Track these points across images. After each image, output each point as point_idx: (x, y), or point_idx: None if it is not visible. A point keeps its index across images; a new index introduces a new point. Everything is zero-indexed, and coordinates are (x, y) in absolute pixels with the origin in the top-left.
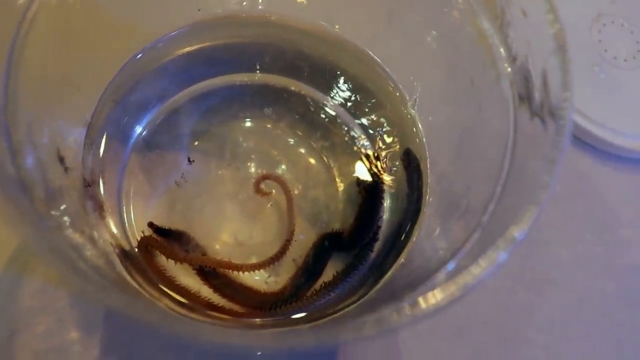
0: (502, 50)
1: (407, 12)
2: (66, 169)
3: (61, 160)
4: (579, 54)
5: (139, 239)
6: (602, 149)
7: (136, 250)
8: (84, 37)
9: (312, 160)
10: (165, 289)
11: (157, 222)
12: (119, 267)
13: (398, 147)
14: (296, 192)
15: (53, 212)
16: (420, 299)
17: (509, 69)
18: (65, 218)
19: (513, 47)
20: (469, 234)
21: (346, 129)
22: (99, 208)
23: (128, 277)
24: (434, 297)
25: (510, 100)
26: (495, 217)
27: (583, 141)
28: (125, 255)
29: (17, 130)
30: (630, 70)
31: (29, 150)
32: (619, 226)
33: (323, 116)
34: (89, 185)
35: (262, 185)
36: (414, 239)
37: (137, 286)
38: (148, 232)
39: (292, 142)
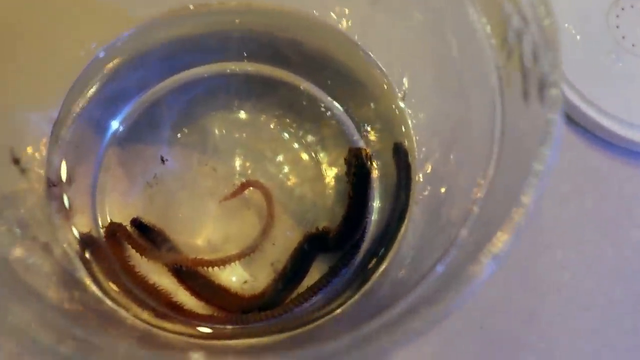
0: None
1: None
2: (23, 170)
3: (16, 161)
4: (594, 41)
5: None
6: (616, 144)
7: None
8: (44, 27)
9: (300, 154)
10: (129, 286)
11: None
12: (81, 272)
13: (387, 141)
14: (283, 187)
15: None
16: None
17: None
18: (16, 228)
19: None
20: (458, 230)
21: (335, 121)
22: (65, 208)
23: (88, 282)
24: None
25: (495, 78)
26: (485, 211)
27: (595, 135)
28: (91, 251)
29: None
30: None
31: None
32: (631, 227)
33: (312, 108)
34: (54, 185)
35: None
36: (402, 235)
37: (97, 290)
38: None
39: (278, 135)
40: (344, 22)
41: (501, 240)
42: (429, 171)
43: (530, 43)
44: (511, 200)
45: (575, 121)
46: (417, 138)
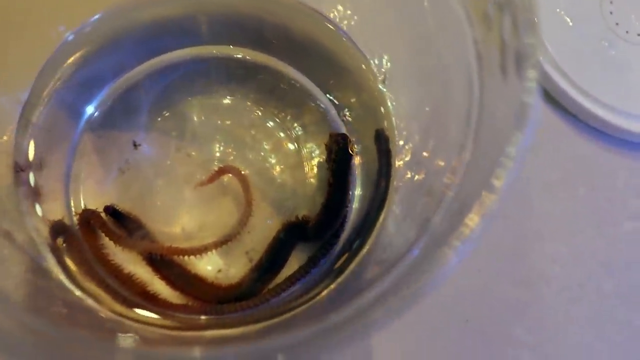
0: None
1: None
2: None
3: None
4: (586, 27)
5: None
6: (609, 134)
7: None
8: (12, 5)
9: (281, 141)
10: (102, 275)
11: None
12: (49, 261)
13: (368, 126)
14: (262, 174)
15: None
16: None
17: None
18: None
19: None
20: (433, 213)
21: (317, 107)
22: (33, 194)
23: (56, 271)
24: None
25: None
26: (460, 195)
27: (588, 124)
28: (63, 239)
29: None
30: None
31: None
32: (624, 218)
33: (293, 93)
34: (22, 170)
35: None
36: (381, 223)
37: (64, 278)
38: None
39: (259, 121)
40: (326, 5)
41: (472, 224)
42: (408, 158)
43: (510, 17)
44: (485, 184)
45: (566, 109)
46: (397, 122)
